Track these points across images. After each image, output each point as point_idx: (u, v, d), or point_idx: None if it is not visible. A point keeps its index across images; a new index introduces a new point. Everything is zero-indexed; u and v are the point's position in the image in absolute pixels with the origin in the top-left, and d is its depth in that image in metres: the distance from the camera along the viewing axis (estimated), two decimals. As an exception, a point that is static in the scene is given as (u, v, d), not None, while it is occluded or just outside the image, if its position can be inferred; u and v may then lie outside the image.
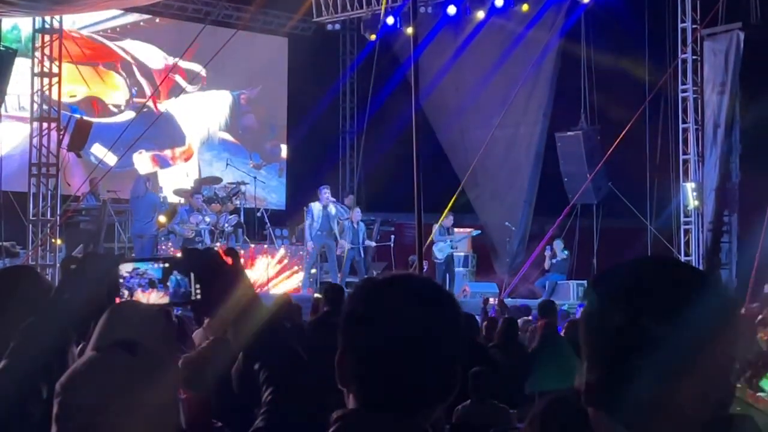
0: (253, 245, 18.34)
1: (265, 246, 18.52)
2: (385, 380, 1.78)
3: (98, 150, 19.28)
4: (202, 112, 22.57)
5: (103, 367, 1.98)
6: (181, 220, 17.08)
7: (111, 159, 18.29)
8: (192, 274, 2.16)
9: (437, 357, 1.79)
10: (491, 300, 15.26)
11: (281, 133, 23.87)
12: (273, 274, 17.98)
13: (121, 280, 2.24)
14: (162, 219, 17.32)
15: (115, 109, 21.07)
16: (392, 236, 19.71)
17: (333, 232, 17.65)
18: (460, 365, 1.83)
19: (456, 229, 19.62)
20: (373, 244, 19.20)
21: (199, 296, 2.14)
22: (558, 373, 7.95)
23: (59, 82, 17.47)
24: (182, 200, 18.71)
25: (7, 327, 2.33)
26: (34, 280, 2.78)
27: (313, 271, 18.53)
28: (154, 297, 2.21)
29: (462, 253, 20.16)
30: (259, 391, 2.13)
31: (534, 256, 19.60)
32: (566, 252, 19.64)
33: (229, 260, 2.15)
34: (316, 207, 17.72)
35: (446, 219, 19.04)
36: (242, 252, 17.22)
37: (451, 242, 19.19)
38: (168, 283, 2.20)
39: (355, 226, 18.32)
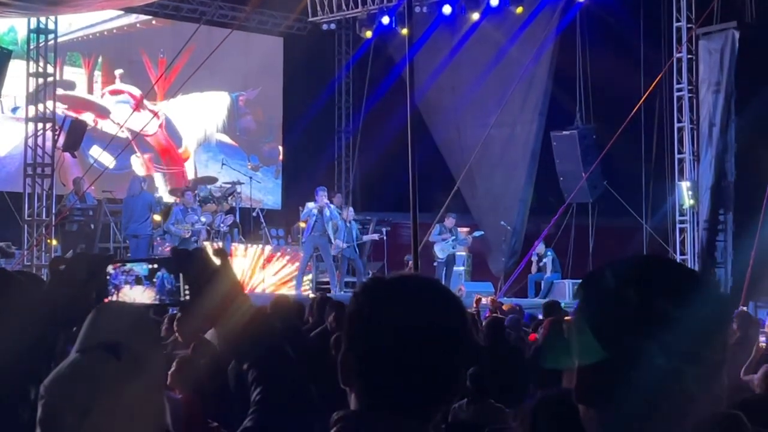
0: (248, 245, 18.32)
1: (261, 246, 18.50)
2: (388, 380, 1.77)
3: (95, 150, 19.35)
4: (200, 113, 22.55)
5: (87, 370, 1.97)
6: (176, 220, 17.02)
7: (107, 159, 18.29)
8: (181, 275, 2.15)
9: (441, 358, 1.78)
10: (483, 300, 15.24)
11: (278, 134, 23.87)
12: (268, 274, 17.97)
13: (107, 278, 2.23)
14: (157, 218, 17.29)
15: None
16: (384, 229, 19.62)
17: (326, 233, 17.63)
18: (464, 367, 1.83)
19: (459, 229, 19.59)
20: (365, 238, 19.12)
21: (187, 297, 2.14)
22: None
23: (54, 83, 17.48)
24: (176, 200, 18.67)
25: None
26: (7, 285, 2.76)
27: (309, 270, 18.51)
28: (140, 293, 2.20)
29: (459, 253, 20.15)
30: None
31: (529, 255, 19.62)
32: (551, 252, 19.62)
33: (218, 261, 2.14)
34: (310, 207, 17.70)
35: (448, 220, 19.00)
36: (237, 251, 17.25)
37: (453, 242, 19.14)
38: (154, 280, 2.20)
39: (348, 224, 18.29)
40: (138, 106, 19.87)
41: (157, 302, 2.19)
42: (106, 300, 2.21)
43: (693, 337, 1.48)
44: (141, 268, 2.22)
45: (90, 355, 2.00)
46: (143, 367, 2.00)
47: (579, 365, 1.55)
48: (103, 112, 21.00)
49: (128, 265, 2.25)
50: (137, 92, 21.12)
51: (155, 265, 2.22)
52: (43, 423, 1.94)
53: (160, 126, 21.85)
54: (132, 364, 1.97)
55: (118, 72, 21.49)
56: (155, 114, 21.20)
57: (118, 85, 21.44)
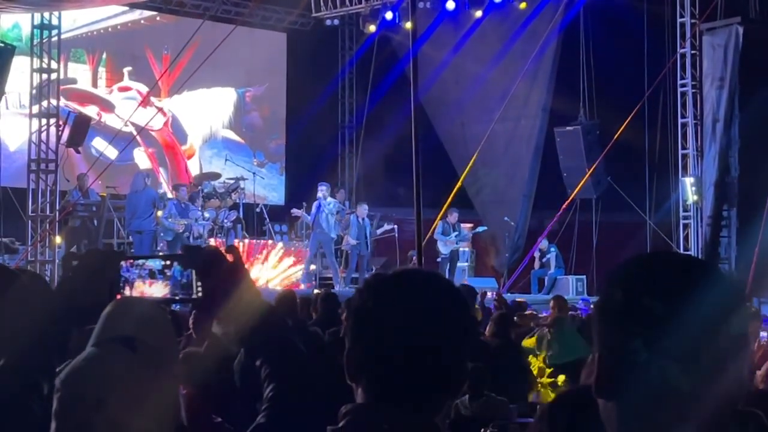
0: (252, 241, 18.33)
1: (264, 241, 18.50)
2: (395, 375, 1.79)
3: (98, 143, 19.40)
4: (206, 110, 22.54)
5: (103, 363, 1.99)
6: (169, 214, 17.01)
7: (110, 152, 18.31)
8: (193, 272, 2.16)
9: (446, 351, 1.81)
10: (489, 294, 15.23)
11: (281, 130, 23.87)
12: (272, 270, 17.97)
13: (120, 274, 2.24)
14: (160, 214, 17.29)
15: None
16: (395, 226, 19.65)
17: (324, 228, 17.70)
18: (468, 360, 1.84)
19: (462, 225, 19.59)
20: (378, 232, 19.17)
21: (200, 294, 2.14)
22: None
23: (58, 79, 17.47)
24: (172, 194, 18.65)
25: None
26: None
27: (312, 267, 18.52)
28: (154, 287, 2.21)
29: (462, 249, 20.14)
30: (260, 385, 2.14)
31: (533, 252, 19.62)
32: (554, 248, 19.64)
33: (230, 257, 2.15)
34: (314, 204, 17.79)
35: (451, 215, 19.00)
36: (240, 246, 17.25)
37: (456, 238, 19.14)
38: (168, 273, 2.20)
39: (361, 221, 18.32)
40: (145, 102, 19.88)
41: (170, 296, 2.20)
42: (118, 296, 2.22)
43: (707, 323, 1.49)
44: (155, 263, 2.23)
45: (105, 348, 2.01)
46: (158, 360, 2.01)
47: (598, 358, 1.56)
48: (107, 106, 21.01)
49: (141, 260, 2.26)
50: (145, 89, 21.11)
51: (167, 262, 2.22)
52: (58, 415, 1.96)
53: (166, 123, 21.86)
54: (147, 358, 1.99)
55: (126, 69, 21.51)
56: (162, 112, 21.22)
57: (126, 82, 21.42)
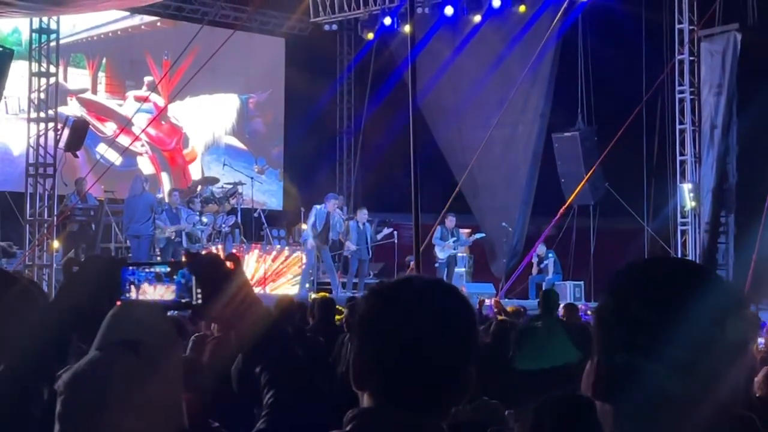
0: (250, 246, 18.32)
1: (262, 246, 18.50)
2: (400, 380, 1.81)
3: (102, 149, 19.44)
4: (209, 116, 22.53)
5: (106, 366, 2.00)
6: (159, 221, 16.98)
7: (113, 156, 18.32)
8: (194, 278, 2.17)
9: (452, 355, 1.83)
10: (487, 301, 15.23)
11: (280, 135, 23.87)
12: (270, 275, 17.97)
13: (119, 280, 2.25)
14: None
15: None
16: (395, 231, 19.66)
17: (327, 237, 17.71)
18: (474, 365, 1.86)
19: (461, 230, 19.61)
20: (378, 237, 19.20)
21: (200, 300, 2.15)
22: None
23: (56, 83, 17.48)
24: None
25: None
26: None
27: (309, 272, 18.53)
28: (161, 290, 2.22)
29: (460, 254, 20.16)
30: (259, 391, 2.15)
31: (530, 257, 19.63)
32: (552, 254, 19.65)
33: (230, 265, 2.16)
34: (320, 211, 17.72)
35: (448, 220, 19.01)
36: (238, 251, 17.25)
37: (454, 243, 19.16)
38: (175, 277, 2.21)
39: (361, 227, 18.34)
40: (159, 117, 19.96)
41: (176, 300, 2.21)
42: (117, 302, 2.23)
43: (682, 345, 1.49)
44: (161, 267, 2.24)
45: (109, 351, 2.03)
46: (161, 364, 2.03)
47: (597, 361, 1.57)
48: (126, 124, 20.65)
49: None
50: (161, 102, 21.05)
51: (169, 269, 2.23)
52: (62, 418, 1.97)
53: (178, 141, 21.91)
54: (150, 361, 2.00)
55: (147, 79, 21.51)
56: (176, 131, 21.26)
57: (146, 91, 21.34)
